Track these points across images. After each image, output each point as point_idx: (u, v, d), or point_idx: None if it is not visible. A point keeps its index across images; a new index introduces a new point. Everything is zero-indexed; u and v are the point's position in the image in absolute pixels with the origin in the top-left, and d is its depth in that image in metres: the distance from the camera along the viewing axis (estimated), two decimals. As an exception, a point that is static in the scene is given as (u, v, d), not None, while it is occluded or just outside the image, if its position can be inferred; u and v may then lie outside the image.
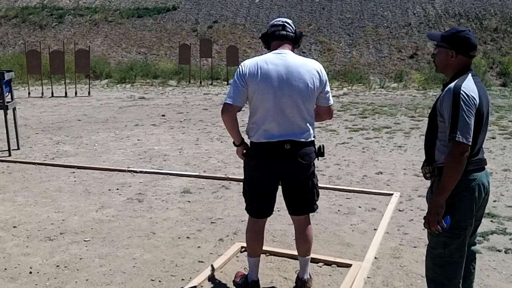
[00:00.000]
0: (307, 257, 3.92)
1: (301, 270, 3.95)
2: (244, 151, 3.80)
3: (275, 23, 3.79)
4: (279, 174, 3.69)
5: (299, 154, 3.59)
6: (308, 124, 3.63)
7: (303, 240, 3.90)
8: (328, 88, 3.73)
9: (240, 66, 3.65)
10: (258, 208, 3.81)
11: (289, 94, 3.53)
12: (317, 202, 3.86)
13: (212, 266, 4.29)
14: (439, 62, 3.03)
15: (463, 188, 2.86)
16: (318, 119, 3.83)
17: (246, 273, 3.96)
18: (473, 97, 2.78)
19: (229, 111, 3.64)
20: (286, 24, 3.76)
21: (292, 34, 3.74)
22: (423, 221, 2.99)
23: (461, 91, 2.77)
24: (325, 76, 3.68)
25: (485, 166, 3.05)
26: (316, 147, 3.75)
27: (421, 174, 3.19)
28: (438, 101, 2.93)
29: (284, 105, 3.54)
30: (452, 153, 2.78)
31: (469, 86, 2.82)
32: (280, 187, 3.81)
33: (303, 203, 3.79)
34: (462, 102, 2.75)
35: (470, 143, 2.77)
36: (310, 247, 3.93)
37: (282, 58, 3.62)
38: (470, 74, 2.91)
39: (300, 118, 3.59)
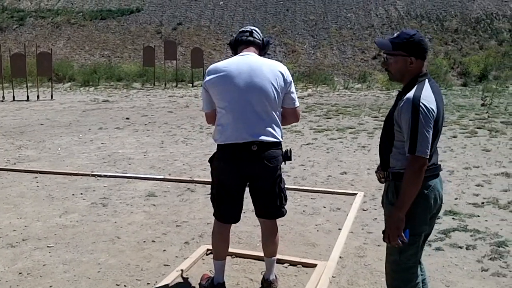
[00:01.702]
0: (273, 258, 3.93)
1: (267, 271, 3.96)
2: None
3: (243, 29, 3.87)
4: (246, 176, 3.68)
5: (266, 156, 3.59)
6: (274, 124, 3.63)
7: (269, 242, 3.91)
8: (293, 89, 3.73)
9: (206, 72, 3.71)
10: (226, 213, 3.79)
11: (254, 93, 3.54)
12: (285, 206, 3.87)
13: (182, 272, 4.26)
14: (396, 71, 2.93)
15: (419, 195, 2.82)
16: (285, 122, 3.83)
17: (212, 276, 3.95)
18: (432, 109, 2.73)
19: (208, 118, 3.85)
20: (254, 31, 3.83)
21: (258, 40, 3.79)
22: (382, 235, 2.95)
23: (421, 104, 2.71)
24: (289, 77, 3.69)
25: (439, 172, 3.01)
26: (283, 150, 3.76)
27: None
28: (396, 111, 2.85)
29: (249, 104, 3.54)
30: (411, 167, 2.75)
31: (427, 96, 2.76)
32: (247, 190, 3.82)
33: (271, 208, 3.79)
34: (421, 116, 2.70)
35: (428, 156, 2.74)
36: (276, 248, 3.94)
37: (245, 58, 3.66)
38: (426, 80, 2.86)
39: (266, 117, 3.58)
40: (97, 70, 23.11)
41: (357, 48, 24.49)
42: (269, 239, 3.90)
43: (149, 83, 22.16)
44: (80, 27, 27.86)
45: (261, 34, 3.86)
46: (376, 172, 3.12)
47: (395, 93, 17.99)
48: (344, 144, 9.71)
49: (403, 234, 2.84)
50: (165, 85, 21.77)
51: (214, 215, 3.87)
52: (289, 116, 3.80)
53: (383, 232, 2.94)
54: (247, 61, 3.63)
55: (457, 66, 22.84)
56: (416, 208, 2.85)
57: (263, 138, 3.56)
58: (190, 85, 21.83)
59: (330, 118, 12.84)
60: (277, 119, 3.67)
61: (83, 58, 25.56)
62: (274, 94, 3.58)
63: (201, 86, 3.73)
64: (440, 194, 2.96)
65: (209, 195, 3.92)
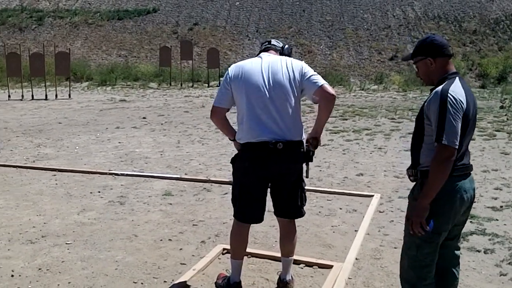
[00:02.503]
0: (290, 257, 3.93)
1: (283, 271, 3.97)
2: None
3: (264, 41, 4.02)
4: (270, 176, 3.67)
5: (291, 155, 3.59)
6: (297, 122, 3.64)
7: (287, 241, 3.91)
8: (311, 72, 3.63)
9: (227, 70, 3.75)
10: (249, 213, 3.78)
11: (276, 91, 3.55)
12: (304, 207, 3.87)
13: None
14: (423, 74, 3.04)
15: (444, 194, 2.83)
16: (325, 106, 3.61)
17: (228, 275, 3.96)
18: (460, 100, 2.75)
19: (215, 113, 3.75)
20: (272, 40, 3.96)
21: (277, 47, 3.86)
22: (404, 221, 2.99)
23: (449, 94, 2.75)
24: (305, 67, 3.66)
25: (471, 172, 3.01)
26: (306, 151, 3.72)
27: (401, 176, 3.20)
28: (426, 104, 2.89)
29: (272, 102, 3.55)
30: (438, 156, 2.75)
31: (456, 90, 2.79)
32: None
33: (291, 208, 3.79)
34: (449, 105, 2.72)
35: (457, 147, 2.74)
36: (294, 248, 3.95)
37: (265, 58, 3.70)
38: (457, 78, 2.90)
39: (289, 114, 3.57)
40: (114, 70, 23.29)
41: (374, 49, 24.40)
42: (287, 238, 3.90)
43: (166, 83, 22.25)
44: (98, 27, 28.06)
45: (280, 43, 3.92)
46: (407, 170, 3.14)
47: (412, 94, 17.95)
48: (361, 145, 9.68)
49: (425, 223, 2.85)
50: (181, 85, 21.86)
51: (234, 216, 3.86)
52: (321, 97, 3.60)
53: (407, 218, 2.97)
54: (267, 59, 3.67)
55: (475, 68, 22.68)
56: (439, 206, 2.86)
57: (288, 136, 3.56)
58: (206, 85, 21.89)
59: (346, 119, 12.81)
60: (299, 116, 3.68)
61: (100, 58, 25.74)
62: (295, 90, 3.59)
63: (221, 83, 3.74)
64: (469, 195, 2.95)
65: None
